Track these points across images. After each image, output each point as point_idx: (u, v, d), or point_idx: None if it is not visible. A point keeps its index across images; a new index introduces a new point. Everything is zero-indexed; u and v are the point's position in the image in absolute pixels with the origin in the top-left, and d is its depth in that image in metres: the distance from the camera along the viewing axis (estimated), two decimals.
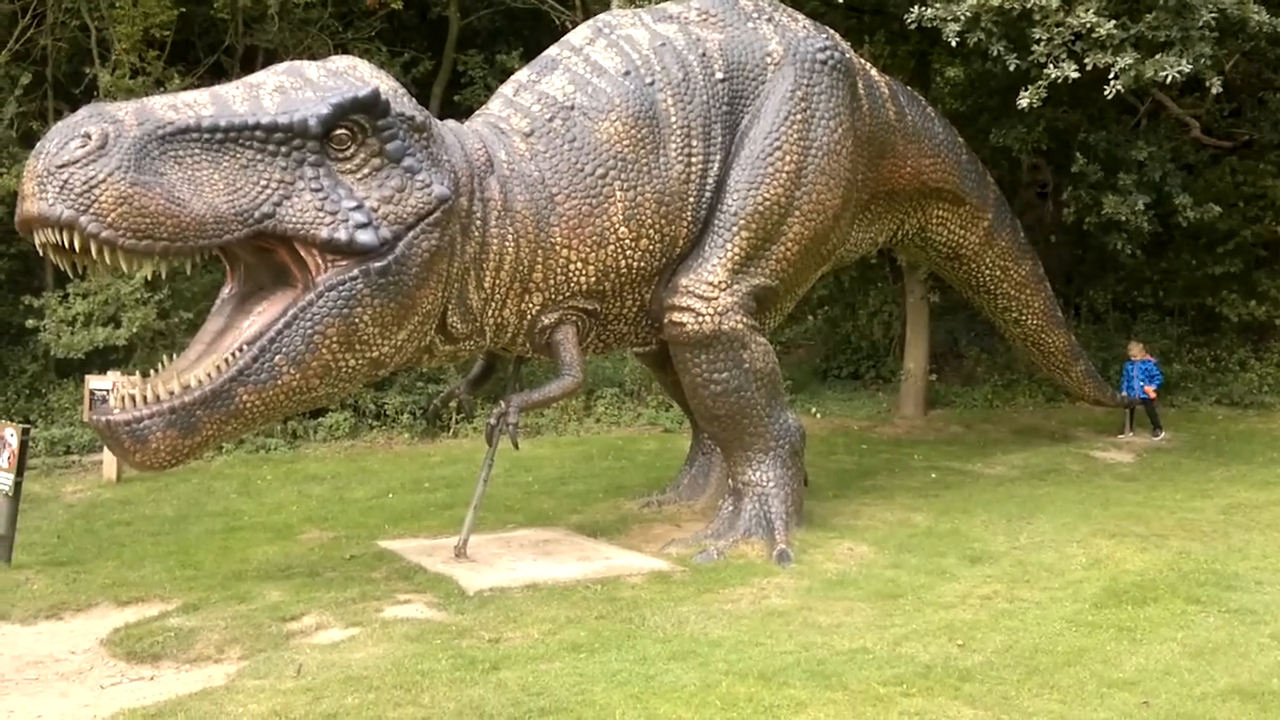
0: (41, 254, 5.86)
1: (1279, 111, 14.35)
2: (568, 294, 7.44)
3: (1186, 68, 9.30)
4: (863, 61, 9.02)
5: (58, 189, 5.49)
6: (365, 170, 6.38)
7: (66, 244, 5.59)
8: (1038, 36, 9.42)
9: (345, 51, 14.24)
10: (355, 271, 6.25)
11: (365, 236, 6.24)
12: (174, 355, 6.52)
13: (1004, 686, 5.17)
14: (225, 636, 6.10)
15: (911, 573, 7.17)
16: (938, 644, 5.77)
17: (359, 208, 6.27)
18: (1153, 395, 12.49)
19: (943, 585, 6.92)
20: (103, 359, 12.50)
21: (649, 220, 7.55)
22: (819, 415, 13.72)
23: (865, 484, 10.08)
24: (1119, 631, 5.97)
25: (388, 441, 12.81)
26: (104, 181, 5.52)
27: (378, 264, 6.30)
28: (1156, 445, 12.07)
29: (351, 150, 6.33)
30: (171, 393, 6.03)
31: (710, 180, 7.80)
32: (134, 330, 12.43)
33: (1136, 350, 12.80)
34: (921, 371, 13.84)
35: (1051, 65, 9.38)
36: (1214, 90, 9.80)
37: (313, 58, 7.93)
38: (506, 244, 7.06)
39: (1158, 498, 9.43)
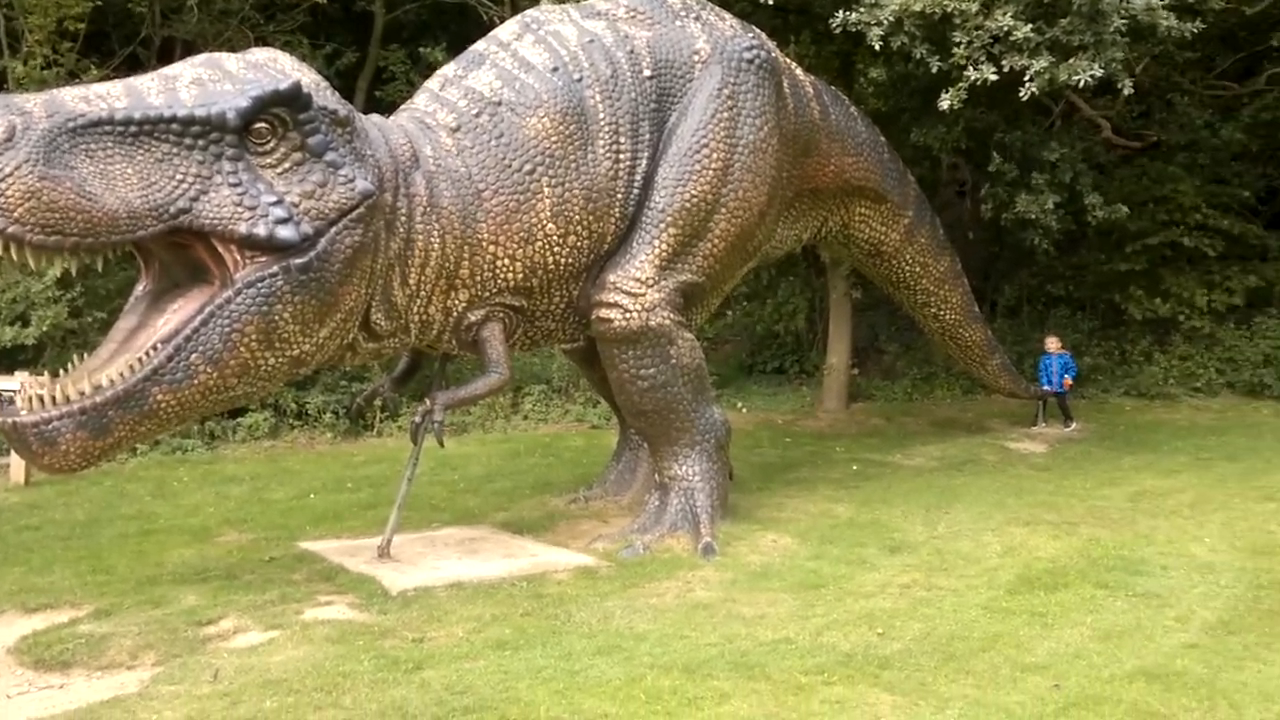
0: None
1: (1185, 114, 14.86)
2: (495, 291, 7.40)
3: (1099, 71, 9.59)
4: (788, 61, 9.12)
5: None
6: (286, 165, 6.24)
7: None
8: (958, 40, 9.62)
9: (266, 44, 13.96)
10: (275, 268, 6.12)
11: (285, 232, 6.11)
12: (85, 355, 6.32)
13: (921, 673, 5.30)
14: (139, 642, 5.94)
15: (833, 563, 7.29)
16: (858, 633, 5.89)
17: (279, 203, 6.13)
18: (1069, 387, 12.88)
19: (863, 575, 7.05)
20: (10, 359, 12.05)
21: (577, 217, 7.54)
22: (744, 409, 13.86)
23: (789, 477, 10.21)
24: (1031, 617, 6.15)
25: (309, 441, 12.62)
26: (10, 175, 5.31)
27: (299, 260, 6.17)
28: (1068, 436, 12.43)
29: (272, 144, 6.19)
30: (82, 393, 5.84)
31: (638, 177, 7.82)
32: (44, 329, 12.01)
33: (1053, 344, 13.17)
34: (844, 366, 14.07)
35: (971, 68, 9.59)
36: (1125, 92, 10.11)
37: (232, 50, 7.77)
38: (432, 240, 7.00)
39: (1069, 486, 9.73)
